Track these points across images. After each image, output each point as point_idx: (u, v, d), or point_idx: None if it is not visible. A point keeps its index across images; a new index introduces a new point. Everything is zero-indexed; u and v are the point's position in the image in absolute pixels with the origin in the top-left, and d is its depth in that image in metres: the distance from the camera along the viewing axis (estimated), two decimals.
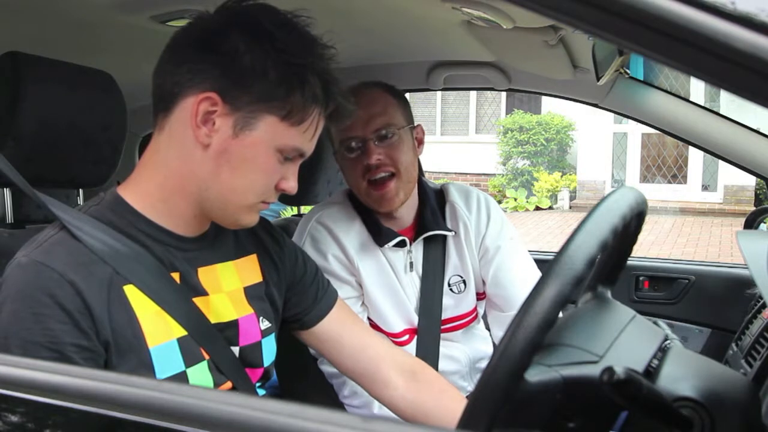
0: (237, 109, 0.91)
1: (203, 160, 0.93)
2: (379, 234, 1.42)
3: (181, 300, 0.95)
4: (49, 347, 0.82)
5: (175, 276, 0.96)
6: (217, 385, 0.98)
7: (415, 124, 1.46)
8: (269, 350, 1.09)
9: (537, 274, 1.49)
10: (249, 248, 1.09)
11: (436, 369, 1.46)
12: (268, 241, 1.14)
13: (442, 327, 1.47)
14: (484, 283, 1.51)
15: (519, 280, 1.46)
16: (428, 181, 1.59)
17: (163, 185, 0.96)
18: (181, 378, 0.93)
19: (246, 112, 0.91)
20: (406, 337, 1.45)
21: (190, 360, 0.94)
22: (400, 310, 1.44)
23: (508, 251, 1.49)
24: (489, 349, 1.57)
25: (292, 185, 0.98)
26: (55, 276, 0.84)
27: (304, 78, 0.92)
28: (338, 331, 1.16)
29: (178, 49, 0.94)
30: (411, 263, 1.45)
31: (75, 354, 0.83)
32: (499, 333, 1.51)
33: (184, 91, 0.92)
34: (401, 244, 1.43)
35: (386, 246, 1.42)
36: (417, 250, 1.46)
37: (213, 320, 0.99)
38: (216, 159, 0.93)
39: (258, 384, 1.09)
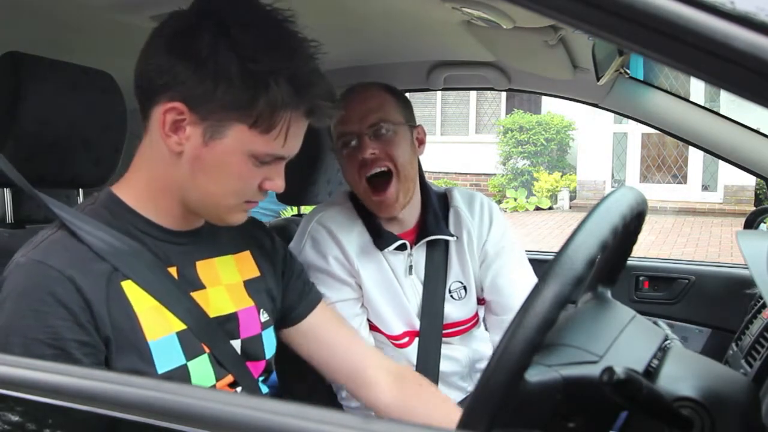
0: (204, 117, 0.90)
1: (179, 165, 0.93)
2: (380, 237, 1.41)
3: (180, 294, 0.96)
4: (50, 344, 0.83)
5: (172, 270, 0.97)
6: (218, 378, 0.99)
7: (417, 124, 1.45)
8: (269, 343, 1.10)
9: (534, 282, 1.49)
10: (244, 244, 1.11)
11: (437, 371, 1.46)
12: (262, 238, 1.15)
13: (443, 332, 1.47)
14: (482, 288, 1.50)
15: (516, 288, 1.46)
16: (432, 184, 1.57)
17: (149, 186, 0.97)
18: (183, 371, 0.93)
19: (214, 120, 0.90)
20: (406, 339, 1.45)
21: (191, 353, 0.95)
22: (400, 312, 1.43)
23: (507, 258, 1.49)
24: (489, 350, 1.56)
25: (278, 184, 0.97)
26: (54, 273, 0.85)
27: (267, 84, 0.88)
28: (324, 328, 1.17)
29: (150, 49, 0.92)
30: (411, 267, 1.45)
31: (76, 350, 0.84)
32: (496, 337, 1.50)
33: (156, 98, 0.91)
34: (402, 248, 1.43)
35: (387, 249, 1.42)
36: (418, 253, 1.46)
37: (212, 314, 1.00)
38: (190, 165, 0.93)
39: (261, 378, 1.10)
